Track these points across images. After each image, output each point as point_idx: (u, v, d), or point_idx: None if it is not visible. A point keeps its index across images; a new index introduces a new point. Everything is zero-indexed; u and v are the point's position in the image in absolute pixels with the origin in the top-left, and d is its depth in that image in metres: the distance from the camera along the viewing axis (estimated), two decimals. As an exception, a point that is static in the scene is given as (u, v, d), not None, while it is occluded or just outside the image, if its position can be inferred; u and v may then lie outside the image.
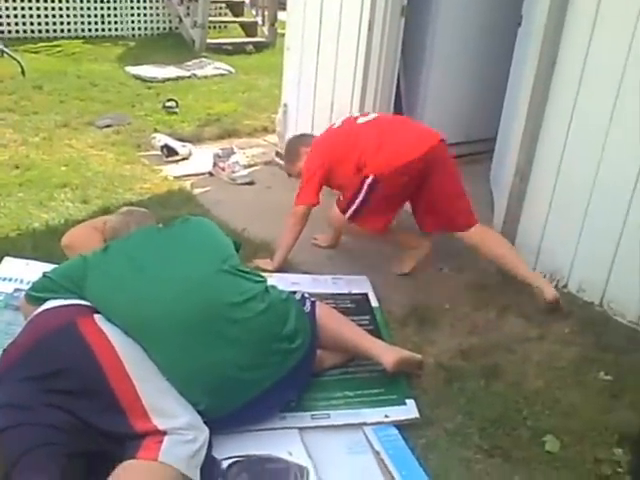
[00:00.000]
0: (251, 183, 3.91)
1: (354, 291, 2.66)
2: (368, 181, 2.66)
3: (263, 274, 2.17)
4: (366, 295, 2.63)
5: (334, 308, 2.36)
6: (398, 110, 3.79)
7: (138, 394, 1.66)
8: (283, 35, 7.58)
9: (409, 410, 1.97)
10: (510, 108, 3.28)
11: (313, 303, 2.12)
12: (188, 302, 1.85)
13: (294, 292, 2.17)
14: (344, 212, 2.79)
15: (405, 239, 2.98)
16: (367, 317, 2.47)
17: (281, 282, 2.40)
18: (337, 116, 3.70)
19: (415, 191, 2.75)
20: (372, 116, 2.94)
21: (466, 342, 2.32)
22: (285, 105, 4.17)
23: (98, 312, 1.87)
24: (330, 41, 3.67)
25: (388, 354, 2.06)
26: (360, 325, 2.27)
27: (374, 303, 2.58)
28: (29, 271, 2.52)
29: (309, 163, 2.88)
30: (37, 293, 2.00)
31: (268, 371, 1.85)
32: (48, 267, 2.49)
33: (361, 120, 2.89)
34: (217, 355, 1.81)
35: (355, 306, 2.56)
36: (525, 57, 2.95)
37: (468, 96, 4.10)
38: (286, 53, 4.13)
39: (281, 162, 4.15)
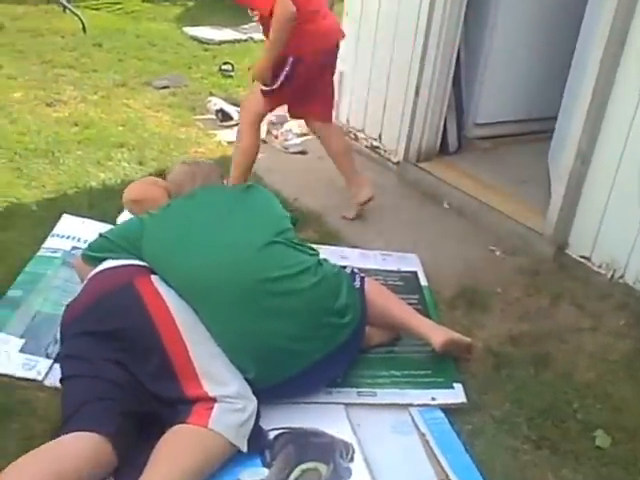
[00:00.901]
0: (303, 152, 3.89)
1: (403, 268, 2.64)
2: (290, 60, 2.80)
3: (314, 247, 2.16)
4: (415, 273, 2.61)
5: (383, 285, 2.35)
6: (457, 84, 3.69)
7: (190, 357, 1.70)
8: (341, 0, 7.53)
9: (456, 394, 1.96)
10: (574, 86, 3.15)
11: (362, 279, 2.11)
12: (242, 270, 1.86)
13: (344, 267, 2.17)
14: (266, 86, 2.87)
15: (351, 174, 3.19)
16: (416, 296, 2.45)
17: (330, 255, 2.39)
18: (394, 86, 3.65)
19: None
20: None
21: (516, 328, 2.29)
22: (341, 73, 4.10)
23: (155, 273, 1.91)
24: (389, 10, 3.58)
25: (437, 334, 2.04)
26: (409, 304, 2.25)
27: (423, 282, 2.56)
28: (85, 229, 2.59)
29: None
30: (94, 253, 2.04)
31: (318, 344, 1.86)
32: (103, 226, 2.57)
33: None
34: (267, 324, 1.82)
35: (404, 284, 2.54)
36: (593, 35, 2.82)
37: (530, 71, 3.94)
38: (344, 19, 4.04)
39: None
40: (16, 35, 5.36)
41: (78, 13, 5.83)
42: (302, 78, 2.88)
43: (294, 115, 3.29)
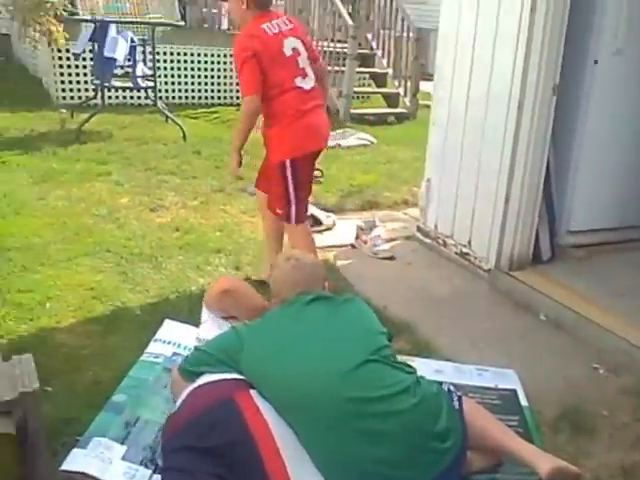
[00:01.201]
0: (391, 258, 3.94)
1: (501, 386, 2.56)
2: (287, 164, 2.96)
3: (411, 365, 2.13)
4: (514, 391, 2.52)
5: (479, 403, 2.28)
6: (547, 191, 3.69)
7: (289, 476, 1.69)
8: (425, 106, 7.79)
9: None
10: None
11: (460, 398, 2.06)
12: (337, 388, 1.85)
13: (440, 383, 2.13)
14: (288, 217, 3.07)
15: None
16: (516, 417, 2.35)
17: (423, 368, 2.37)
18: (483, 193, 3.69)
19: None
20: (307, 85, 2.98)
21: (628, 458, 2.15)
22: (428, 180, 4.20)
23: (253, 386, 1.94)
24: (477, 118, 3.67)
25: (543, 460, 1.94)
26: (509, 426, 2.15)
27: (523, 402, 2.46)
28: (186, 335, 2.67)
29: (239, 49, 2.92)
30: (193, 368, 2.08)
31: (416, 471, 1.79)
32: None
33: (298, 82, 2.95)
34: (361, 447, 1.78)
35: (502, 403, 2.45)
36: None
37: (623, 177, 3.90)
38: (431, 128, 4.17)
39: (422, 237, 4.18)
40: (123, 143, 5.82)
41: (179, 122, 6.29)
42: (303, 178, 3.05)
43: (304, 217, 3.26)
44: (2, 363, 2.11)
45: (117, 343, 2.72)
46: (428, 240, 4.12)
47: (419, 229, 4.23)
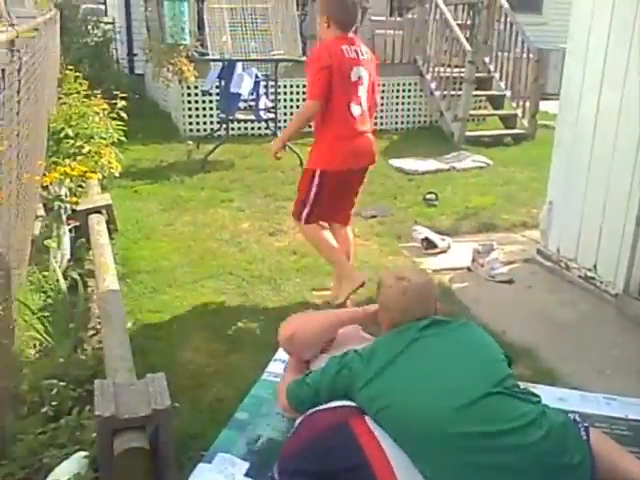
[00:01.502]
0: (510, 281, 3.84)
1: (631, 416, 2.41)
2: (318, 173, 3.22)
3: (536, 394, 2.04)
4: (646, 423, 2.37)
5: (607, 434, 2.15)
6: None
7: None
8: (543, 127, 7.56)
9: None
10: None
11: (587, 429, 1.95)
12: (459, 421, 1.79)
13: (566, 412, 2.04)
14: (299, 214, 3.33)
15: (343, 264, 3.38)
16: (649, 450, 2.21)
17: (545, 396, 2.27)
18: (611, 216, 3.52)
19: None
20: (356, 112, 3.20)
21: None
22: (550, 203, 4.06)
23: (367, 414, 1.93)
24: (606, 139, 3.52)
25: None
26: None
27: (656, 433, 2.31)
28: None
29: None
30: (304, 406, 2.09)
31: None
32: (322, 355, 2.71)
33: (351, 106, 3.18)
34: None
35: (633, 434, 2.30)
36: None
37: None
38: (555, 149, 4.04)
39: (542, 261, 4.04)
40: (244, 172, 6.09)
41: (296, 150, 6.49)
42: (330, 189, 3.26)
43: (316, 220, 3.38)
44: (137, 381, 2.27)
45: (239, 362, 2.84)
46: (549, 263, 3.97)
47: (539, 252, 4.09)
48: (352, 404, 1.99)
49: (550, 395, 2.43)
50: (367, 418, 1.91)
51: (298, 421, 2.09)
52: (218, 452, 2.18)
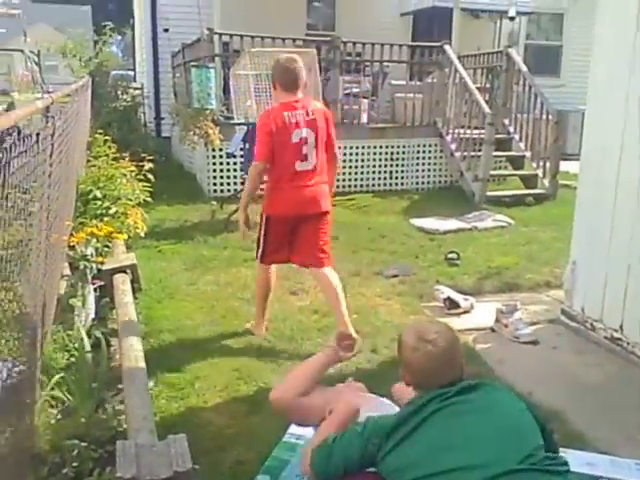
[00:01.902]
0: (535, 342, 3.78)
1: (665, 484, 2.34)
2: (264, 218, 3.71)
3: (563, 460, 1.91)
4: (682, 491, 2.29)
5: None
6: None
7: None
8: (565, 186, 7.58)
9: None
10: None
11: None
12: None
13: (597, 479, 1.98)
14: (256, 252, 3.80)
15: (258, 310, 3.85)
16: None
17: (575, 461, 2.21)
18: (636, 276, 3.48)
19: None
20: (305, 167, 3.58)
21: None
22: (574, 262, 4.03)
23: None
24: (629, 199, 3.52)
25: None
26: None
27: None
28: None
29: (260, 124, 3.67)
30: (325, 475, 2.03)
31: None
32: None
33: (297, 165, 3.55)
34: None
35: (667, 503, 2.24)
36: None
37: None
38: (577, 210, 4.05)
39: (567, 321, 3.98)
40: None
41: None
42: (275, 232, 3.68)
43: (270, 259, 3.81)
44: (158, 442, 2.25)
45: (260, 423, 2.82)
46: (574, 324, 3.92)
47: (564, 312, 4.04)
48: (374, 470, 1.95)
49: (579, 460, 2.38)
50: None
51: None
52: (240, 516, 2.15)
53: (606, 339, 3.66)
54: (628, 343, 3.51)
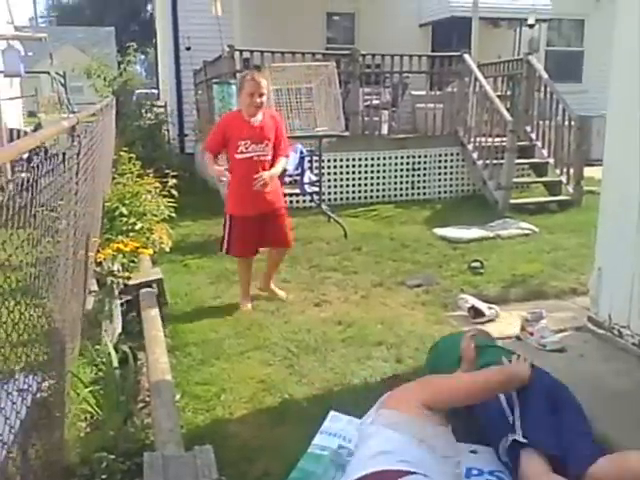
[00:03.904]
0: (562, 350, 3.74)
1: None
2: (228, 217, 4.42)
3: None
4: None
5: None
6: None
7: None
8: (589, 192, 7.50)
9: None
10: None
11: None
12: None
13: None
14: (221, 246, 4.51)
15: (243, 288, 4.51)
16: None
17: None
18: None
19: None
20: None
21: None
22: (599, 269, 3.99)
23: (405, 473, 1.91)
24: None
25: None
26: None
27: None
28: (351, 428, 2.71)
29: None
30: None
31: None
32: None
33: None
34: None
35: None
36: None
37: None
38: (600, 215, 4.01)
39: (594, 328, 3.93)
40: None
41: (340, 221, 6.61)
42: (239, 230, 4.31)
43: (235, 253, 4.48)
44: (185, 454, 2.29)
45: (285, 434, 2.83)
46: (601, 331, 3.87)
47: (590, 319, 3.99)
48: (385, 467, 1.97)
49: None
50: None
51: None
52: (266, 528, 2.16)
53: (634, 345, 3.60)
54: (657, 349, 3.46)
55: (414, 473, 1.93)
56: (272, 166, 4.29)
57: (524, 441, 2.35)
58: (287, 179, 6.58)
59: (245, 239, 4.33)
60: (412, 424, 2.18)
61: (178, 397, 3.11)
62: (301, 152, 6.62)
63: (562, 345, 3.76)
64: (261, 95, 4.13)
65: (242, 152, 4.19)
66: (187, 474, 2.12)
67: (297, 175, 6.71)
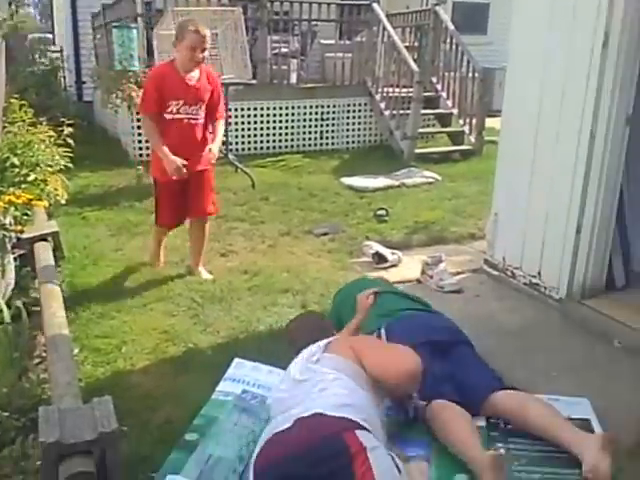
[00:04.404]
0: (459, 291, 3.91)
1: (574, 415, 2.47)
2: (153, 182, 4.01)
3: None
4: (588, 421, 2.43)
5: None
6: (621, 219, 3.58)
7: None
8: (490, 142, 7.75)
9: None
10: None
11: None
12: None
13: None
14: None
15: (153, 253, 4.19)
16: (591, 446, 2.27)
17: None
18: (553, 224, 3.62)
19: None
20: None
21: None
22: (496, 214, 4.15)
23: (360, 427, 1.93)
24: (546, 151, 3.63)
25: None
26: None
27: (597, 430, 2.37)
28: (255, 373, 2.73)
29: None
30: None
31: None
32: (271, 369, 2.72)
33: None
34: None
35: (577, 432, 2.37)
36: None
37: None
38: (498, 163, 4.15)
39: (490, 270, 4.12)
40: (196, 195, 6.06)
41: (248, 171, 6.52)
42: (167, 196, 3.91)
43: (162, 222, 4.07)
44: (82, 405, 2.22)
45: (189, 383, 2.81)
46: (496, 272, 4.06)
47: (486, 262, 4.18)
48: (350, 417, 1.97)
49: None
50: (358, 432, 1.91)
51: (285, 426, 2.05)
52: (167, 474, 2.15)
53: (525, 285, 3.82)
54: (545, 288, 3.67)
55: (369, 432, 1.95)
56: (205, 129, 3.88)
57: (424, 403, 2.40)
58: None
59: (172, 206, 3.93)
60: (359, 373, 2.21)
61: (77, 351, 3.01)
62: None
63: (459, 287, 3.93)
64: (203, 50, 3.70)
65: (172, 112, 3.72)
66: (85, 426, 2.06)
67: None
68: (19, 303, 3.25)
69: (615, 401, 2.57)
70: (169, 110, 3.73)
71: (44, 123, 5.80)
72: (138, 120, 7.44)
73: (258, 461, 1.97)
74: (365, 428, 1.93)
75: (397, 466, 1.92)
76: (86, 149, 6.46)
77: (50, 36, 14.08)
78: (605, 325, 3.23)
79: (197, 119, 3.80)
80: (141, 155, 7.40)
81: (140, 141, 7.49)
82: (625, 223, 3.63)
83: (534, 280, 3.75)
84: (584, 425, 2.39)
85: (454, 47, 8.49)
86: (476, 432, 2.24)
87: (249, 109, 8.02)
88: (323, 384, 2.14)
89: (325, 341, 2.38)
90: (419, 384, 2.25)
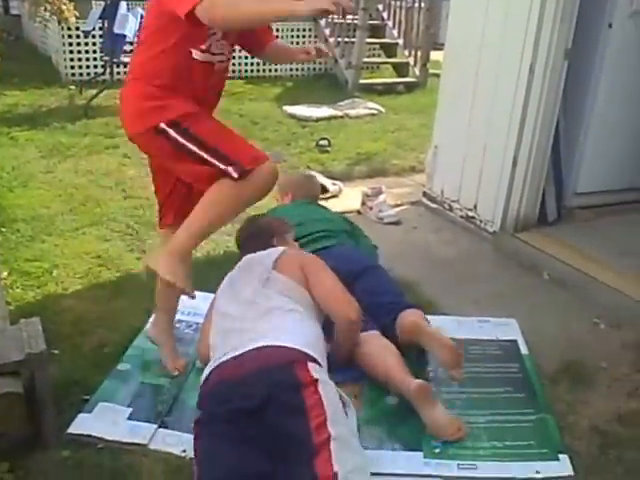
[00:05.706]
0: (397, 223, 3.95)
1: (502, 337, 2.59)
2: None
3: None
4: (515, 342, 2.56)
5: (480, 355, 2.41)
6: (556, 153, 3.66)
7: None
8: (434, 75, 7.71)
9: (562, 466, 1.87)
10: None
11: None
12: None
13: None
14: None
15: None
16: (516, 365, 2.40)
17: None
18: (490, 157, 3.67)
19: None
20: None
21: (625, 406, 2.16)
22: (436, 147, 4.17)
23: (313, 360, 1.90)
24: (487, 83, 3.63)
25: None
26: (508, 373, 2.29)
27: (524, 350, 2.50)
28: (190, 300, 2.70)
29: None
30: None
31: None
32: (206, 295, 2.69)
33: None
34: None
35: (503, 353, 2.50)
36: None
37: (633, 139, 3.86)
38: (440, 96, 4.14)
39: (428, 202, 4.17)
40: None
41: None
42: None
43: None
44: (10, 327, 2.16)
45: (123, 308, 2.77)
46: (434, 205, 4.12)
47: (425, 194, 4.22)
48: (295, 347, 1.91)
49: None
50: (310, 364, 1.86)
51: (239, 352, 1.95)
52: (99, 402, 2.15)
53: (462, 218, 3.89)
54: (480, 221, 3.75)
55: (320, 365, 1.93)
56: None
57: None
58: (127, 47, 6.07)
59: None
60: (311, 305, 2.18)
61: (5, 274, 2.91)
62: (141, 16, 6.08)
63: (398, 218, 3.97)
64: None
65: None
66: (12, 347, 2.01)
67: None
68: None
69: (540, 329, 2.68)
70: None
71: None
72: (69, 37, 7.04)
73: (204, 387, 1.94)
74: (316, 361, 1.92)
75: (343, 402, 1.91)
76: (14, 65, 6.09)
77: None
78: (536, 258, 3.34)
79: None
80: (73, 75, 7.03)
81: (72, 59, 7.10)
82: (560, 158, 3.71)
83: (470, 213, 3.82)
84: (512, 347, 2.50)
85: (402, -26, 8.29)
86: (402, 362, 2.21)
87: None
88: (279, 313, 2.06)
89: (274, 255, 2.31)
90: (356, 336, 2.25)
